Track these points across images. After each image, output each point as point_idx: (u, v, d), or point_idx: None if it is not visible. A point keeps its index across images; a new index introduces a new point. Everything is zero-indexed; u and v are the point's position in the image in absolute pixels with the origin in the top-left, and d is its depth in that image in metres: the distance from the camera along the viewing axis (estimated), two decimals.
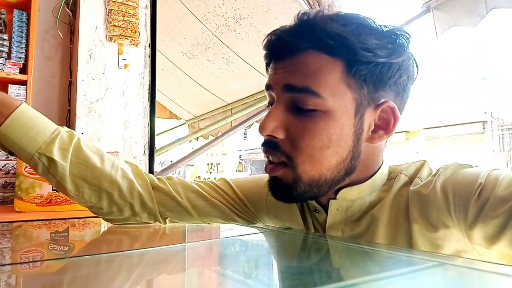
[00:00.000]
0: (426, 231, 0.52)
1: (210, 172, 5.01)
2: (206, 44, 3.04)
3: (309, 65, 0.51)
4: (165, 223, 0.70)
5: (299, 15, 0.54)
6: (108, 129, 1.83)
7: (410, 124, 12.43)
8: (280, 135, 0.53)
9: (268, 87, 0.57)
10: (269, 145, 0.54)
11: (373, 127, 0.54)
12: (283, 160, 0.53)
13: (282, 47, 0.54)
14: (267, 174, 0.75)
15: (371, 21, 0.54)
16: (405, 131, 12.74)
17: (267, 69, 0.60)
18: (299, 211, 0.65)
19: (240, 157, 17.08)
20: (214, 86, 3.59)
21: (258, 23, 2.72)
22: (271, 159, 0.55)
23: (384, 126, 0.55)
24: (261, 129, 0.53)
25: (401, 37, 0.53)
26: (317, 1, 2.18)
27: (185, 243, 0.63)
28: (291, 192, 0.54)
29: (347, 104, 0.52)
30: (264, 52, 0.58)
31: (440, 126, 12.02)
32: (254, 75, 3.13)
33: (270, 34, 0.56)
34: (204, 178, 4.89)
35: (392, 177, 0.59)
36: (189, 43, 3.08)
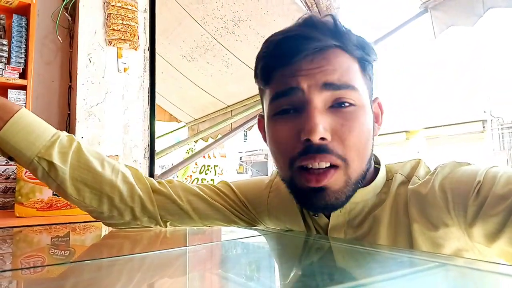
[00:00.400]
0: (426, 230, 0.52)
1: (206, 173, 4.95)
2: (205, 47, 3.04)
3: (341, 62, 0.52)
4: (166, 226, 0.70)
5: (308, 17, 0.54)
6: (108, 132, 1.83)
7: (410, 124, 12.43)
8: (329, 137, 0.50)
9: (291, 90, 0.52)
10: (321, 150, 0.49)
11: None
12: (333, 163, 0.50)
13: (308, 45, 0.51)
14: (267, 176, 0.75)
15: None
16: (405, 131, 12.74)
17: (267, 76, 0.55)
18: (300, 212, 0.64)
19: (240, 159, 17.08)
20: (213, 89, 3.59)
21: (257, 25, 2.72)
22: (314, 166, 0.50)
23: (376, 119, 0.59)
24: (313, 133, 0.48)
25: None
26: (315, 3, 2.19)
27: (186, 246, 0.62)
28: (339, 198, 0.51)
29: (368, 99, 0.55)
30: (270, 55, 0.54)
31: (440, 126, 12.02)
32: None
33: (278, 36, 0.53)
34: (197, 179, 4.87)
35: (389, 177, 0.59)
36: (188, 46, 3.08)
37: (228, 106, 3.74)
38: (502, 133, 11.58)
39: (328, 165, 0.50)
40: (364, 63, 0.55)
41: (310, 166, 0.51)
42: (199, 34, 2.92)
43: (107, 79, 1.85)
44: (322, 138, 0.49)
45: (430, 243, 0.51)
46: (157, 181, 0.70)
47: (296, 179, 0.53)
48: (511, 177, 0.46)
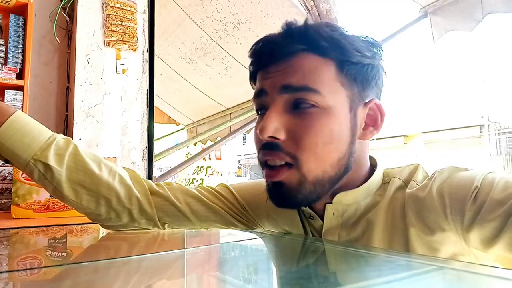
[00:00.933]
0: (423, 234, 0.52)
1: (198, 174, 5.09)
2: (204, 49, 3.04)
3: (304, 65, 0.53)
4: (164, 228, 0.70)
5: (286, 23, 0.56)
6: (106, 134, 1.83)
7: (408, 128, 12.47)
8: (282, 136, 0.52)
9: (261, 92, 0.56)
10: (271, 147, 0.53)
11: (363, 124, 0.57)
12: (287, 161, 0.52)
13: (275, 50, 0.54)
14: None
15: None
16: (404, 135, 12.78)
17: (253, 78, 0.60)
18: (298, 216, 0.64)
19: (239, 162, 17.06)
20: (212, 91, 3.60)
21: (256, 28, 2.73)
22: (271, 163, 0.54)
23: (373, 123, 0.58)
24: (262, 131, 0.52)
25: (377, 45, 0.58)
26: (315, 6, 2.20)
27: (184, 248, 0.62)
28: (296, 196, 0.53)
29: (342, 101, 0.54)
30: (252, 60, 0.59)
31: (438, 130, 12.06)
32: None
33: (258, 42, 0.57)
34: (189, 179, 4.97)
35: (386, 181, 0.59)
36: (187, 48, 3.09)
37: (227, 108, 3.75)
38: (499, 138, 11.62)
39: (282, 163, 0.53)
40: (342, 64, 0.54)
41: (269, 163, 0.54)
42: (199, 36, 2.92)
43: (105, 81, 1.85)
44: (274, 137, 0.52)
45: (426, 248, 0.51)
46: (155, 183, 0.70)
47: (264, 175, 0.56)
48: (508, 182, 0.47)
